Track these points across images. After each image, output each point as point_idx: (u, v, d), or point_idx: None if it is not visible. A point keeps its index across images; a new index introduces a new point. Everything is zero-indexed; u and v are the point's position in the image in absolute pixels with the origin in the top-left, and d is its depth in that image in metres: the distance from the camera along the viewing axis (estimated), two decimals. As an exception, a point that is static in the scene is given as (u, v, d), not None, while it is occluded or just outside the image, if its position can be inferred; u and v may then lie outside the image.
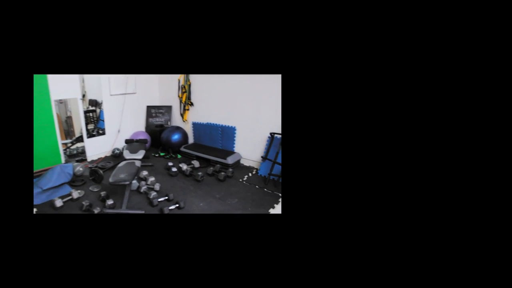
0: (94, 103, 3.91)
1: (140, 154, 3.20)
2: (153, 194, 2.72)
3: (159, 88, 4.83)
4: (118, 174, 2.59)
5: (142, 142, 3.53)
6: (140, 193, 2.90)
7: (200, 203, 2.70)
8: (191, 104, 4.34)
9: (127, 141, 3.52)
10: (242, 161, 3.89)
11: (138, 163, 2.96)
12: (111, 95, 4.04)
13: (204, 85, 4.13)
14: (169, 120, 4.68)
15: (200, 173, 3.20)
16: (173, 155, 4.12)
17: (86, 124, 3.81)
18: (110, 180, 2.48)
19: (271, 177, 3.28)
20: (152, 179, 3.06)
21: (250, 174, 3.50)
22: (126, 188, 2.64)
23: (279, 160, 3.23)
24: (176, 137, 4.13)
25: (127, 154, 3.19)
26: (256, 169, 3.69)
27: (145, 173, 3.22)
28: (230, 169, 3.38)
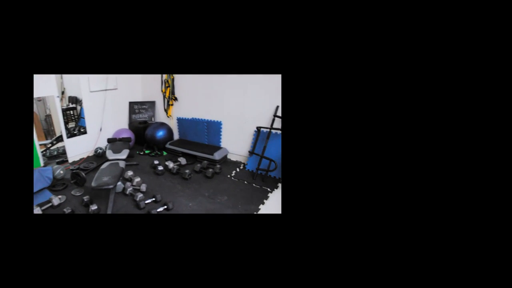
0: (74, 100, 3.69)
1: (124, 154, 3.07)
2: (140, 196, 2.61)
3: (141, 83, 4.62)
4: (101, 177, 2.47)
5: (125, 140, 3.39)
6: (126, 195, 2.78)
7: (189, 203, 2.62)
8: (175, 99, 4.18)
9: (109, 140, 3.37)
10: (229, 156, 3.82)
11: (122, 164, 2.83)
12: (90, 91, 3.82)
13: (188, 79, 3.97)
14: (153, 116, 4.52)
15: (187, 171, 3.10)
16: (159, 153, 3.99)
17: (67, 122, 3.62)
18: (93, 184, 2.36)
19: (259, 171, 3.23)
20: (138, 179, 2.95)
21: (237, 169, 3.43)
22: (110, 191, 2.52)
23: (267, 154, 3.17)
24: (161, 133, 3.99)
25: (110, 154, 3.05)
26: (244, 163, 3.62)
27: (130, 173, 3.10)
28: (218, 165, 3.30)
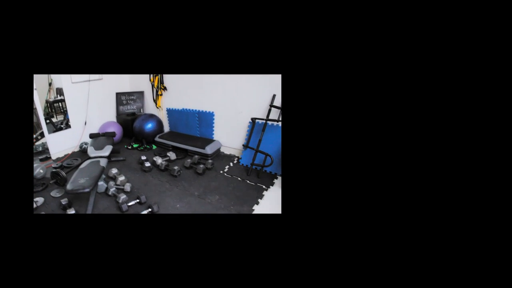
0: (62, 92, 3.37)
1: (107, 150, 2.76)
2: (123, 197, 2.33)
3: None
4: (77, 179, 2.17)
5: (109, 135, 3.07)
6: (109, 195, 2.50)
7: (177, 204, 2.34)
8: (164, 88, 3.84)
9: (91, 136, 3.05)
10: (222, 149, 3.51)
11: (103, 162, 2.53)
12: (72, 82, 3.47)
13: (176, 67, 3.62)
14: (142, 107, 4.17)
15: (176, 167, 2.80)
16: (148, 146, 3.67)
17: (53, 115, 3.33)
18: (68, 187, 2.06)
19: (254, 166, 2.93)
20: (122, 178, 2.65)
21: (231, 164, 3.14)
22: (90, 193, 2.24)
23: (262, 148, 2.87)
24: (149, 126, 3.66)
25: (91, 152, 2.74)
26: (238, 157, 3.33)
27: (114, 171, 2.80)
28: (210, 160, 2.99)
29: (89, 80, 3.65)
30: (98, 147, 2.81)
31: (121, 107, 4.12)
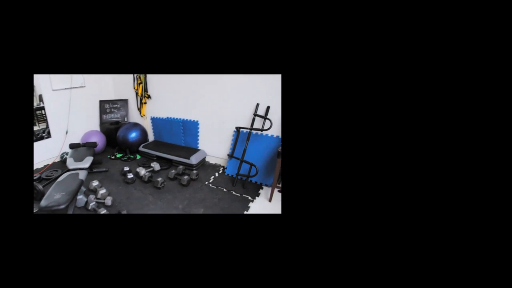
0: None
1: (87, 162, 2.64)
2: (103, 212, 2.23)
3: (113, 79, 4.13)
4: (53, 195, 2.05)
5: (90, 146, 2.95)
6: (89, 210, 2.38)
7: (159, 218, 2.25)
8: (148, 96, 3.74)
9: (71, 146, 2.92)
10: (207, 159, 3.44)
11: (83, 175, 2.41)
12: (53, 90, 3.33)
13: (162, 75, 3.53)
14: (126, 115, 4.06)
15: (160, 179, 2.71)
16: (131, 156, 3.56)
17: (36, 123, 3.20)
18: (42, 203, 1.94)
19: (239, 177, 2.87)
20: (103, 191, 2.54)
21: (216, 174, 3.06)
22: (67, 209, 2.12)
23: (247, 157, 2.82)
24: (133, 135, 3.56)
25: (70, 163, 2.62)
26: (223, 167, 3.26)
27: (95, 183, 2.68)
28: (195, 171, 2.91)
29: (70, 88, 3.52)
30: (78, 158, 2.69)
31: (104, 116, 3.99)
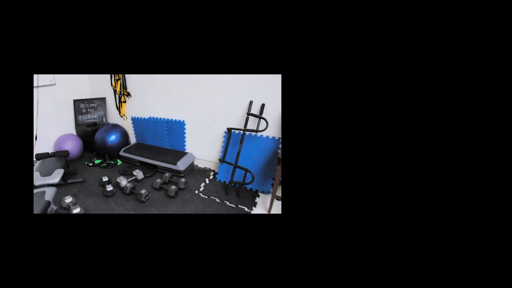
0: None
1: (56, 176, 2.23)
2: (74, 237, 1.85)
3: (88, 75, 3.63)
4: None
5: (60, 155, 2.52)
6: (59, 234, 2.00)
7: (142, 241, 1.89)
8: (128, 94, 3.29)
9: (38, 157, 2.48)
10: (196, 162, 3.06)
11: (50, 194, 2.01)
12: (17, 91, 2.85)
13: (140, 70, 3.08)
14: (104, 116, 3.60)
15: (143, 191, 2.33)
16: (112, 162, 3.14)
17: None
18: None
19: (232, 183, 2.52)
20: (77, 210, 2.13)
21: (207, 181, 2.70)
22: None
23: (241, 161, 2.46)
24: (113, 138, 3.12)
25: (36, 179, 2.20)
26: (214, 171, 2.89)
27: (68, 200, 2.26)
28: (183, 179, 2.53)
29: (37, 86, 3.03)
30: (45, 172, 2.27)
31: (80, 117, 3.51)
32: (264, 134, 2.44)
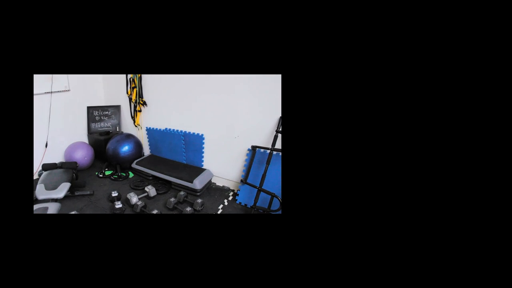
0: None
1: (62, 190, 1.99)
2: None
3: (103, 82, 3.45)
4: None
5: (68, 167, 2.29)
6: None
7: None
8: (144, 103, 3.07)
9: (44, 167, 2.26)
10: (214, 180, 2.78)
11: (53, 209, 1.76)
12: (30, 95, 2.66)
13: (160, 78, 2.86)
14: (118, 124, 3.38)
15: (155, 212, 2.06)
16: (123, 174, 2.89)
17: None
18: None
19: (255, 208, 2.21)
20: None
21: (225, 202, 2.41)
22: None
23: (266, 185, 2.16)
24: (126, 148, 2.89)
25: (40, 192, 1.96)
26: (233, 191, 2.60)
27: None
28: (199, 200, 2.25)
29: (51, 92, 2.84)
30: (51, 185, 2.03)
31: (93, 124, 3.31)
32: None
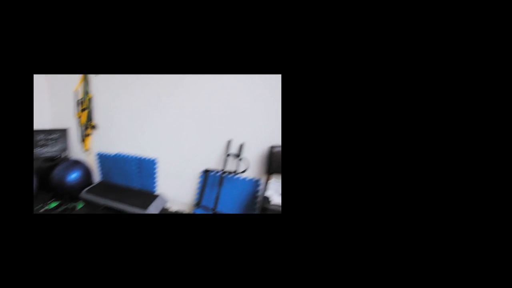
0: None
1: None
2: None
3: (50, 102, 3.22)
4: None
5: None
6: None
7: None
8: (93, 127, 2.94)
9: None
10: (168, 204, 2.73)
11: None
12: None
13: (110, 99, 2.76)
14: (65, 149, 3.18)
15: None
16: (70, 205, 2.71)
17: None
18: None
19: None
20: None
21: (181, 226, 2.39)
22: None
23: (221, 206, 2.19)
24: (74, 176, 2.72)
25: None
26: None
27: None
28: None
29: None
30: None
31: (37, 150, 3.08)
32: (243, 175, 2.21)
